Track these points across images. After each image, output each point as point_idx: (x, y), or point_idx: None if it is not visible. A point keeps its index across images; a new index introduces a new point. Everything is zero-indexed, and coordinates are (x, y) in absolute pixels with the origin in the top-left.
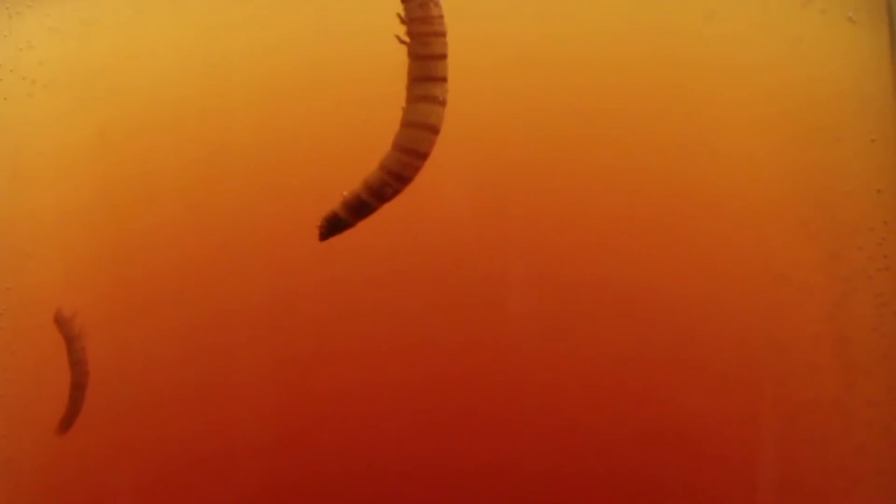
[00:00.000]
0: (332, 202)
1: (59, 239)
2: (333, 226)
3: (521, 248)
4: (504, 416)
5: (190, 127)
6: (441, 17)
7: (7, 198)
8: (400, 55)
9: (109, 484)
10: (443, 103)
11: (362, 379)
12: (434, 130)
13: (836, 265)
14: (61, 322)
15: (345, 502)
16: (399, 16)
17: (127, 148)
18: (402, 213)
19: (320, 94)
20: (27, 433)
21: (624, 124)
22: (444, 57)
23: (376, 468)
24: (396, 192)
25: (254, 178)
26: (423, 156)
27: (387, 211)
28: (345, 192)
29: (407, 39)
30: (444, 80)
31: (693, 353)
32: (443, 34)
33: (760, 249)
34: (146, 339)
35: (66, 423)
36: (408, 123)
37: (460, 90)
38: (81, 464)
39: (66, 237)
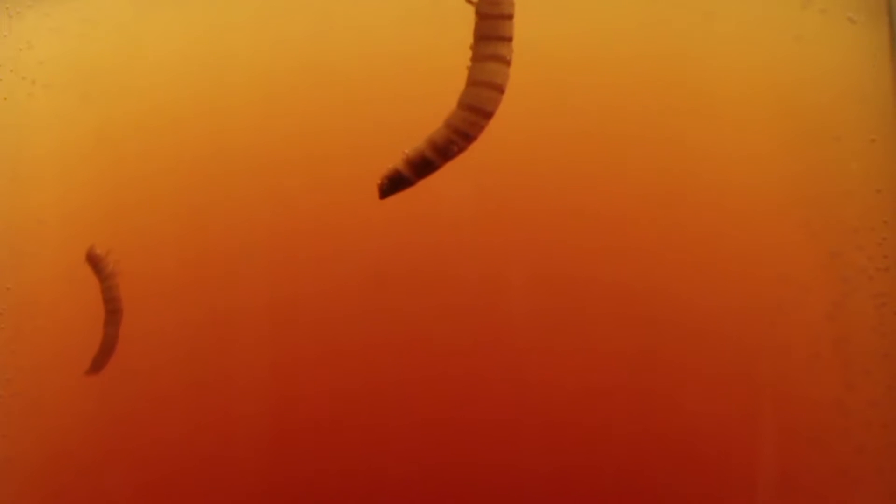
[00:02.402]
0: (333, 202)
1: (59, 239)
2: (394, 183)
3: (522, 247)
4: (505, 415)
5: (190, 127)
6: None
7: (7, 198)
8: (401, 54)
9: (109, 484)
10: (509, 63)
11: (363, 379)
12: (500, 90)
13: (836, 265)
14: (94, 259)
15: (345, 502)
16: None
17: (127, 148)
18: (404, 213)
19: (321, 94)
20: (27, 433)
21: (623, 123)
22: (511, 17)
23: (377, 468)
24: (461, 150)
25: (254, 178)
26: (489, 115)
27: (388, 211)
28: (406, 150)
29: None
30: (510, 39)
31: (693, 353)
32: None
33: (761, 249)
34: (146, 339)
35: (98, 363)
36: (475, 82)
37: (462, 89)
38: (81, 464)
39: (66, 237)
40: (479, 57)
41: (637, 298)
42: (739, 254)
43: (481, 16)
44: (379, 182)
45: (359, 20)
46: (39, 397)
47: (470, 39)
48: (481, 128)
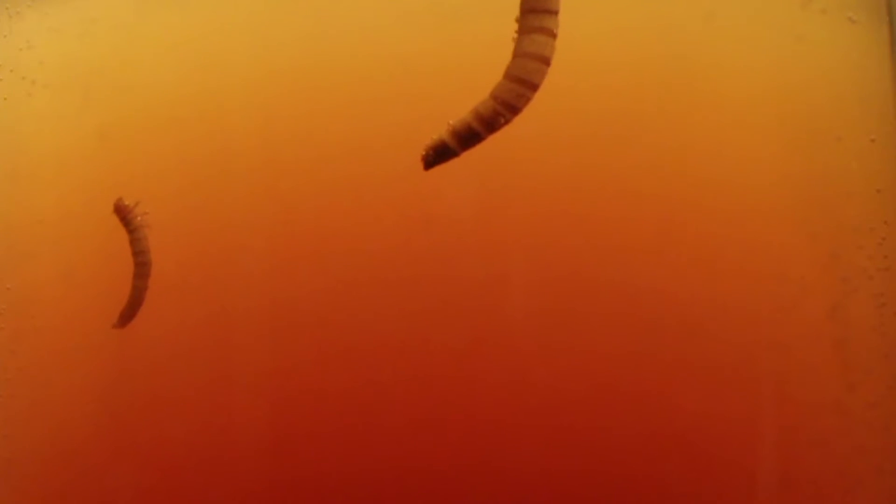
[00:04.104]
0: (333, 202)
1: (59, 239)
2: (439, 154)
3: (522, 248)
4: (505, 415)
5: (190, 127)
6: None
7: (7, 198)
8: (401, 55)
9: (110, 484)
10: (555, 36)
11: (364, 379)
12: (547, 62)
13: (836, 265)
14: (122, 211)
15: (346, 502)
16: None
17: (127, 148)
18: (404, 213)
19: (321, 94)
20: (27, 433)
21: (623, 124)
22: None
23: (377, 468)
24: (507, 122)
25: (254, 178)
26: (535, 87)
27: (388, 211)
28: (451, 121)
29: None
30: (556, 13)
31: (693, 353)
32: None
33: (760, 249)
34: (146, 339)
35: (127, 316)
36: (522, 54)
37: (462, 89)
38: (82, 464)
39: (66, 237)
40: (525, 29)
41: (638, 298)
42: (740, 254)
43: None
44: (423, 153)
45: (359, 20)
46: (39, 397)
47: (470, 39)
48: (527, 100)
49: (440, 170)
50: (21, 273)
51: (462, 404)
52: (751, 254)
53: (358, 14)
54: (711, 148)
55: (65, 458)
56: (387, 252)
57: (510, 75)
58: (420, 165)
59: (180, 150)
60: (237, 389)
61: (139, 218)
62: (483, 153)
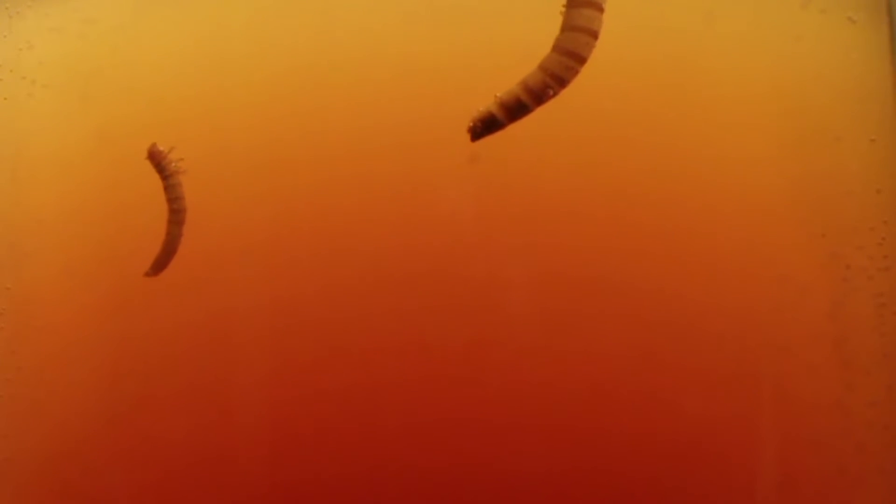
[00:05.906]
0: (333, 202)
1: (59, 239)
2: (487, 126)
3: (522, 248)
4: (505, 416)
5: (190, 126)
6: None
7: (7, 198)
8: (401, 54)
9: (111, 484)
10: (602, 10)
11: (364, 379)
12: (595, 36)
13: (836, 265)
14: (156, 157)
15: (346, 502)
16: None
17: (127, 148)
18: (405, 213)
19: (321, 94)
20: (27, 433)
21: (623, 124)
22: None
23: (377, 468)
24: (555, 94)
25: (254, 178)
26: (583, 60)
27: (388, 211)
28: (498, 94)
29: None
30: None
31: (693, 353)
32: None
33: (760, 249)
34: (147, 339)
35: (159, 264)
36: (571, 27)
37: (462, 89)
38: (82, 464)
39: (66, 237)
40: (574, 3)
41: (637, 298)
42: (740, 254)
43: None
44: (471, 124)
45: (359, 20)
46: (39, 397)
47: (472, 39)
48: (575, 72)
49: (441, 169)
50: (21, 273)
51: (462, 404)
52: (751, 254)
53: (359, 14)
54: (711, 148)
55: (65, 458)
56: (387, 252)
57: (559, 48)
58: (419, 164)
59: (180, 150)
60: (237, 389)
61: (174, 164)
62: (484, 153)
